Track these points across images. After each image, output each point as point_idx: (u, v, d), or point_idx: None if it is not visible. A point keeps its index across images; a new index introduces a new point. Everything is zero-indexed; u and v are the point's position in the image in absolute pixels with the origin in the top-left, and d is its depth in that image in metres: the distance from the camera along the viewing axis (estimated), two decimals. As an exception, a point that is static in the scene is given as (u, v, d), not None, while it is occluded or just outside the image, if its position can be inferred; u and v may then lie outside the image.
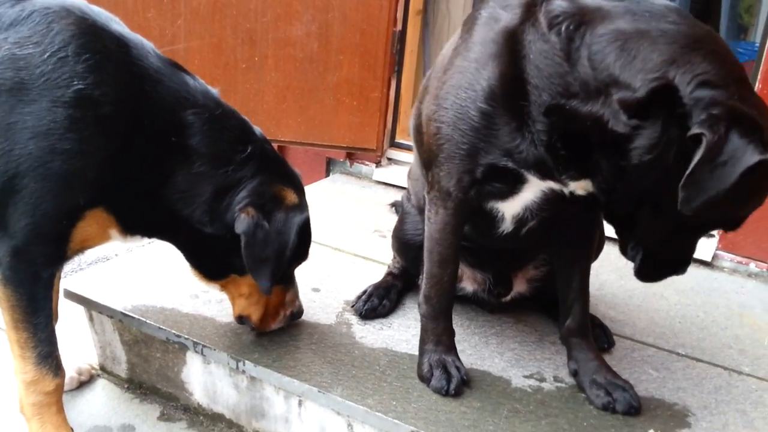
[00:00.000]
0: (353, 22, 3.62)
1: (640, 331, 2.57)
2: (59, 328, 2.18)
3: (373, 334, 2.36)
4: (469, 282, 2.49)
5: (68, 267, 3.05)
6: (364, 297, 2.51)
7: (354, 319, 2.45)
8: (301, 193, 2.07)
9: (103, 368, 2.56)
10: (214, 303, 2.46)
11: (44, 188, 1.72)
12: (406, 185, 2.73)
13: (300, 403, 2.16)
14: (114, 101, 1.76)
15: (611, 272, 3.03)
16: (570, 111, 1.71)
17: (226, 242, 1.95)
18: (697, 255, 2.04)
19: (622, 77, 1.62)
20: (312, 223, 2.09)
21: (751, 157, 1.47)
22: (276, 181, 1.99)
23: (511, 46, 1.79)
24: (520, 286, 2.51)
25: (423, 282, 2.15)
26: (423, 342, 2.16)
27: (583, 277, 2.20)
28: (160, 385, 2.44)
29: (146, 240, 2.10)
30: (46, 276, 1.84)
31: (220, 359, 2.22)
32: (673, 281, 2.05)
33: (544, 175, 1.87)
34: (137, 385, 2.48)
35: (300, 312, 2.30)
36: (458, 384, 2.07)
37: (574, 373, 2.16)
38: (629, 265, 1.91)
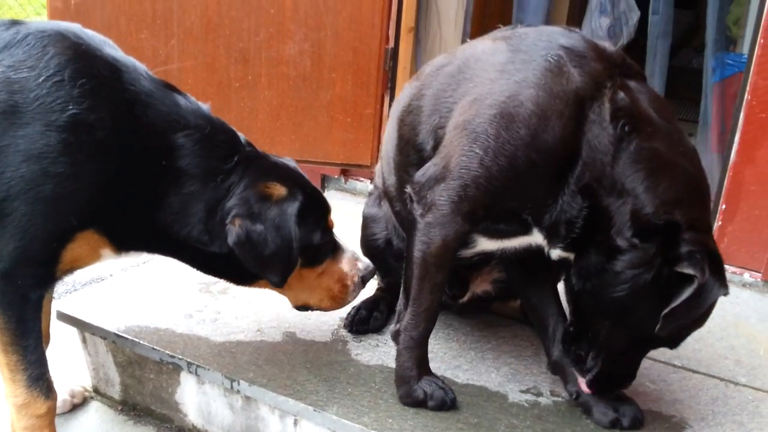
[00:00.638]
0: (346, 41, 3.64)
1: (636, 344, 2.56)
2: (52, 350, 2.18)
3: (368, 351, 2.36)
4: None
5: (62, 288, 3.03)
6: (352, 311, 2.49)
7: (349, 337, 2.44)
8: (289, 183, 1.99)
9: (96, 390, 2.54)
10: (208, 322, 2.45)
11: (35, 211, 1.72)
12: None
13: (296, 423, 2.15)
14: (108, 126, 1.76)
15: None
16: (596, 198, 1.83)
17: (235, 256, 1.93)
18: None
19: (642, 196, 1.78)
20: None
21: (718, 293, 1.77)
22: (260, 179, 1.96)
23: (578, 114, 1.81)
24: (484, 286, 2.47)
25: (408, 310, 2.05)
26: (406, 370, 2.08)
27: (556, 300, 2.20)
28: (154, 407, 2.43)
29: (142, 258, 2.10)
30: (34, 298, 1.83)
31: (215, 379, 2.21)
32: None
33: (546, 236, 1.93)
34: (131, 407, 2.47)
35: (371, 272, 2.21)
36: (453, 393, 2.07)
37: (576, 396, 2.11)
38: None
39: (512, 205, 1.90)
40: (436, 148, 2.01)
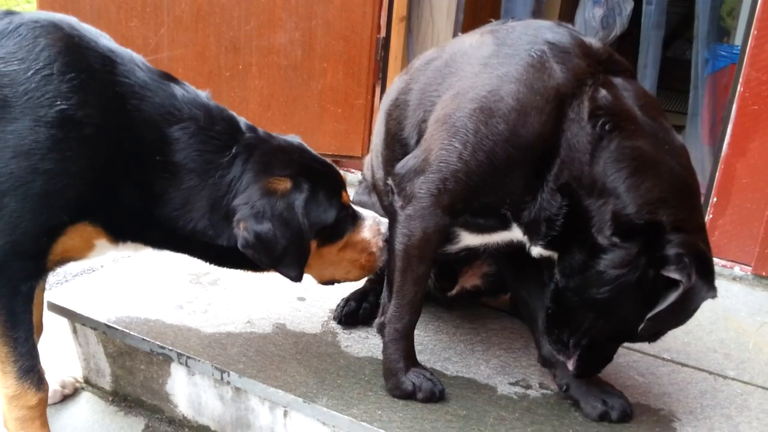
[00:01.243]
0: (337, 30, 3.62)
1: (626, 336, 2.57)
2: (43, 341, 2.17)
3: (358, 343, 2.36)
4: None
5: (53, 279, 3.02)
6: (341, 303, 2.49)
7: (339, 328, 2.44)
8: (295, 169, 1.95)
9: (87, 381, 2.54)
10: (199, 314, 2.44)
11: (24, 207, 1.71)
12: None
13: (285, 414, 2.15)
14: (97, 122, 1.74)
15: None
16: (576, 197, 1.82)
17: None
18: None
19: (624, 196, 1.77)
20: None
21: (704, 297, 1.76)
22: (263, 174, 1.91)
23: (557, 112, 1.80)
24: (474, 281, 2.48)
25: (392, 302, 2.05)
26: (393, 362, 2.08)
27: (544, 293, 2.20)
28: (145, 398, 2.43)
29: (134, 250, 2.07)
30: (25, 290, 1.82)
31: (205, 370, 2.21)
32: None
33: (525, 232, 1.93)
34: (122, 398, 2.47)
35: None
36: (441, 385, 2.08)
37: (566, 388, 2.11)
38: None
39: (491, 200, 1.90)
40: (419, 142, 2.01)
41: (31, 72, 1.68)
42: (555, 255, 1.93)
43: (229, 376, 2.16)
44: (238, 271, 2.10)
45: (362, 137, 3.80)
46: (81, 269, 3.21)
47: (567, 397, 2.12)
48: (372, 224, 2.13)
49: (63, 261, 1.93)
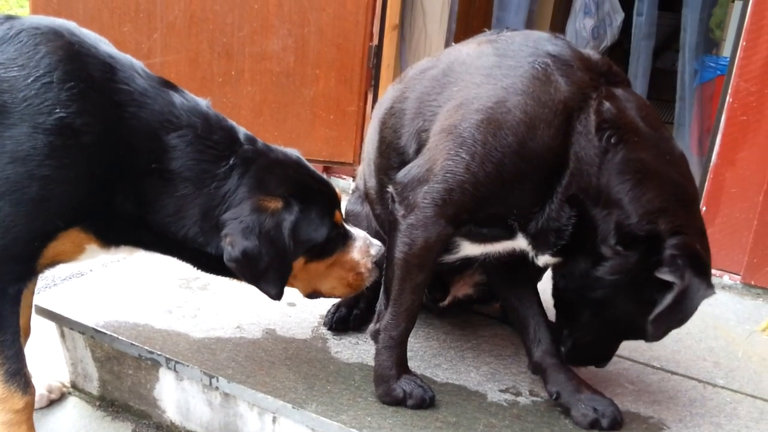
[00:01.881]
0: (329, 37, 3.63)
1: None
2: (30, 345, 2.16)
3: (348, 349, 2.35)
4: None
5: (41, 283, 3.00)
6: (332, 309, 2.49)
7: (329, 334, 2.44)
8: (289, 187, 1.94)
9: (74, 385, 2.52)
10: (188, 318, 2.43)
11: (18, 213, 1.71)
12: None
13: (274, 420, 2.14)
14: (95, 130, 1.74)
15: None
16: (584, 208, 1.85)
17: None
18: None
19: (627, 207, 1.81)
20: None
21: (703, 295, 1.79)
22: (257, 190, 1.90)
23: (566, 126, 1.82)
24: (466, 290, 2.48)
25: (389, 309, 2.05)
26: (385, 369, 2.08)
27: (537, 300, 2.22)
28: (133, 403, 2.41)
29: (123, 254, 2.06)
30: (12, 292, 1.81)
31: (194, 375, 2.20)
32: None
33: (531, 242, 1.95)
34: (109, 403, 2.45)
35: (383, 255, 2.13)
36: (432, 392, 2.08)
37: (556, 396, 2.10)
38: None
39: (497, 211, 1.90)
40: (419, 151, 2.00)
41: (31, 79, 1.68)
42: (559, 261, 1.97)
43: (217, 381, 2.15)
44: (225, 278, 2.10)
45: (354, 144, 3.80)
46: (70, 273, 3.19)
47: (557, 405, 2.12)
48: (362, 245, 2.13)
49: (53, 264, 1.92)
